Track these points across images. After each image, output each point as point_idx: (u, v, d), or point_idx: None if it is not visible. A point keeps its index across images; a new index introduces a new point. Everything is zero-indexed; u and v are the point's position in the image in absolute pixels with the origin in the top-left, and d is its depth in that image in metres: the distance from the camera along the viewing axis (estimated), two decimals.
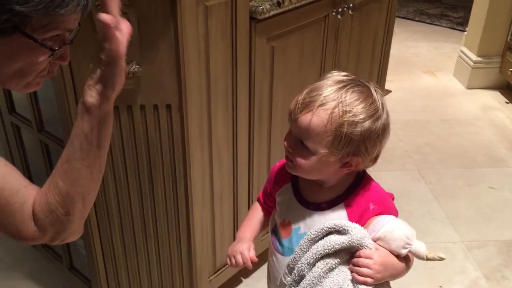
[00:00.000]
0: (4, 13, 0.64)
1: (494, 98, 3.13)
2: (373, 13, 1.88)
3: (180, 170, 1.33)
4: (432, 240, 2.02)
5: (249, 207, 1.53)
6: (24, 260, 1.87)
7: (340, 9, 1.62)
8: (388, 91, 3.11)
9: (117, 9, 0.75)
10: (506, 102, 3.08)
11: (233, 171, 1.51)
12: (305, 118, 0.88)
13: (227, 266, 1.65)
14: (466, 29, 3.33)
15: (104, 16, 0.73)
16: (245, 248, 1.02)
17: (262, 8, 1.32)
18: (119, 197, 1.36)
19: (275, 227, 1.03)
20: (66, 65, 1.08)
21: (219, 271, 1.63)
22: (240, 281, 1.81)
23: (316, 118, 0.87)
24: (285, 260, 0.98)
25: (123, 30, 0.76)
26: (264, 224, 1.11)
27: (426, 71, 3.48)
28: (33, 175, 1.67)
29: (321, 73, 1.71)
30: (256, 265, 1.81)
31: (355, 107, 0.86)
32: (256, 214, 1.12)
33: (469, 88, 3.22)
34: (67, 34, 0.73)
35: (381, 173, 2.36)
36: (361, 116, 0.86)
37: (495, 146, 2.65)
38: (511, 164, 2.51)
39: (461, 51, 3.29)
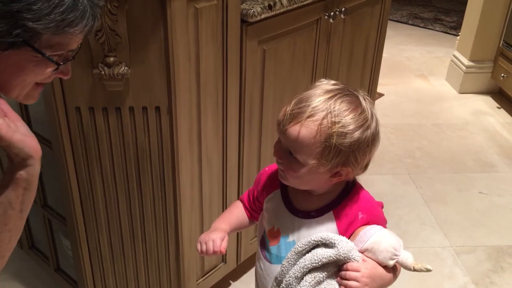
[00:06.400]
0: (16, 28, 0.69)
1: (485, 103, 3.14)
2: (365, 17, 1.88)
3: (169, 172, 1.32)
4: (421, 244, 2.02)
5: None
6: (11, 261, 1.84)
7: (332, 13, 1.62)
8: (381, 95, 3.12)
9: None
10: (498, 107, 3.09)
11: (222, 174, 1.50)
12: (294, 130, 0.87)
13: (215, 269, 1.64)
14: (459, 33, 3.34)
15: None
16: (218, 237, 1.00)
17: (253, 11, 1.32)
18: (106, 199, 1.35)
19: (263, 234, 1.02)
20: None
21: (207, 274, 1.62)
22: (229, 284, 1.80)
23: (304, 129, 0.85)
24: (272, 268, 0.97)
25: None
26: (242, 224, 1.09)
27: (419, 75, 3.49)
28: None
29: (313, 76, 1.71)
30: (245, 268, 1.82)
31: (344, 117, 0.85)
32: (236, 211, 1.10)
33: (461, 92, 3.23)
34: (70, 53, 0.79)
35: (372, 177, 2.36)
36: (350, 127, 0.85)
37: (486, 151, 2.66)
38: (501, 169, 2.52)
39: (454, 56, 3.30)
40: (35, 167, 0.79)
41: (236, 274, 1.80)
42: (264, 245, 1.01)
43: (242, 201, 1.11)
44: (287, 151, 0.89)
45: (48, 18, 0.70)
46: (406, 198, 2.28)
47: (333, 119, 0.85)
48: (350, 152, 0.87)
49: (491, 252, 1.99)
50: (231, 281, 1.80)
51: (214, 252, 0.99)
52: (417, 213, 2.20)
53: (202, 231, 1.50)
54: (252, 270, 1.83)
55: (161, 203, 1.37)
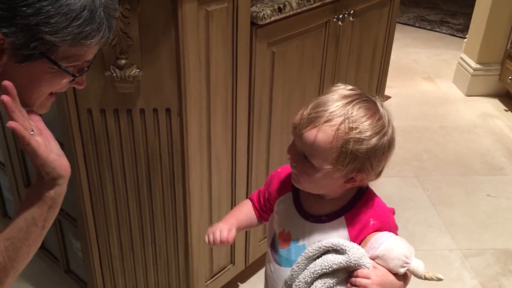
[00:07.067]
0: (34, 41, 0.70)
1: (493, 105, 3.14)
2: (373, 20, 1.88)
3: (179, 174, 1.33)
4: (429, 247, 2.02)
5: None
6: None
7: (341, 16, 1.62)
8: (388, 97, 3.12)
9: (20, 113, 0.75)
10: (505, 110, 3.09)
11: (231, 176, 1.50)
12: (310, 134, 0.86)
13: (224, 270, 1.65)
14: (466, 36, 3.34)
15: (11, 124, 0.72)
16: (225, 228, 1.00)
17: (263, 14, 1.33)
18: (117, 201, 1.36)
19: (274, 236, 1.02)
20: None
21: (216, 276, 1.63)
22: (237, 286, 1.80)
23: (321, 134, 0.85)
24: (282, 271, 0.97)
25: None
26: (250, 222, 1.09)
27: (426, 78, 3.49)
28: (31, 178, 1.67)
29: (321, 79, 1.71)
30: (253, 270, 1.83)
31: (361, 123, 0.85)
32: (245, 209, 1.09)
33: (468, 95, 3.22)
34: (85, 64, 0.80)
35: (379, 179, 2.35)
36: (368, 133, 0.85)
37: (493, 154, 2.65)
38: (509, 172, 2.51)
39: (461, 58, 3.29)
40: (63, 187, 0.80)
41: (245, 275, 1.80)
42: (274, 247, 1.01)
43: (251, 200, 1.11)
44: (302, 155, 0.89)
45: (65, 31, 0.71)
46: (413, 201, 2.28)
47: (351, 125, 0.84)
48: (366, 159, 0.86)
49: (499, 255, 1.99)
50: (239, 283, 1.80)
51: (221, 242, 0.99)
52: (424, 215, 2.19)
53: None
54: (260, 272, 1.84)
55: (171, 204, 1.38)
